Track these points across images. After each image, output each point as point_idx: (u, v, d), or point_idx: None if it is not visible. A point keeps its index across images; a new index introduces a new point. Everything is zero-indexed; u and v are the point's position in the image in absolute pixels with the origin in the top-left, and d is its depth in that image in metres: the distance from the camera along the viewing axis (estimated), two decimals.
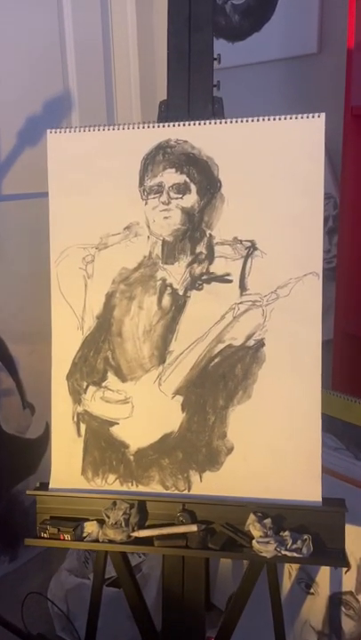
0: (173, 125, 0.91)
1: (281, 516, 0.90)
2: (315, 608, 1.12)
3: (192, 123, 0.91)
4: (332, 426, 1.21)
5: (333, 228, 1.26)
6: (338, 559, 0.88)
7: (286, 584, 1.16)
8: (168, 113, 0.93)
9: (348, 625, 1.08)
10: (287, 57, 1.40)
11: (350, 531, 0.92)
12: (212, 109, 0.92)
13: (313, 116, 0.87)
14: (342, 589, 1.09)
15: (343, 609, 1.08)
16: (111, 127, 0.94)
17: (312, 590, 1.13)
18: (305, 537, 0.88)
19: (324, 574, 1.11)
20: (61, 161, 0.96)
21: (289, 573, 1.16)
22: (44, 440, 1.49)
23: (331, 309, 1.19)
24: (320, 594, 1.12)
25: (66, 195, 0.96)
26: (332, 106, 1.08)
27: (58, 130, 0.96)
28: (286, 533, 0.89)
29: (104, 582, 1.07)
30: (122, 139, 0.94)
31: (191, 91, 0.92)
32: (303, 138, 0.87)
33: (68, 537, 0.93)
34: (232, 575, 1.29)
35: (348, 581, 1.08)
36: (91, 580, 1.26)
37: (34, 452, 1.48)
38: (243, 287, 0.90)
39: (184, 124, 0.91)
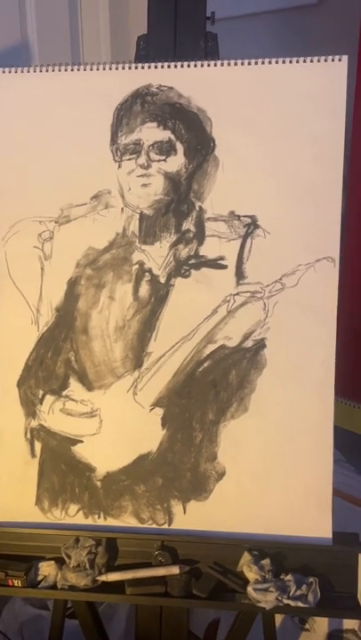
0: (155, 67, 0.72)
1: (281, 554, 0.74)
2: None
3: (179, 64, 0.72)
4: None
5: None
6: (352, 609, 0.72)
7: (277, 616, 1.01)
8: (149, 51, 0.74)
9: None
10: (282, 8, 1.23)
11: None
12: (204, 48, 0.73)
13: (333, 59, 0.69)
14: (343, 627, 0.94)
15: None
16: (76, 67, 0.74)
17: (307, 626, 0.98)
18: (310, 580, 0.73)
19: None
20: (12, 109, 0.76)
21: None
22: None
23: None
24: (317, 630, 0.97)
25: (17, 153, 0.76)
26: None
27: (9, 69, 0.75)
28: (289, 577, 0.73)
29: (65, 613, 0.90)
30: (90, 82, 0.74)
31: (178, 23, 0.73)
32: (320, 86, 0.70)
33: (18, 582, 0.75)
34: None
35: None
36: (50, 611, 1.10)
37: None
38: (240, 274, 0.73)
39: (169, 66, 0.72)
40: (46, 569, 0.77)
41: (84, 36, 1.17)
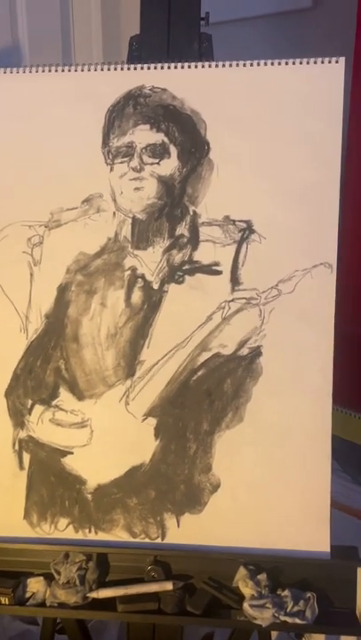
0: (148, 68, 0.70)
1: (278, 569, 0.72)
2: None
3: (172, 65, 0.70)
4: None
5: None
6: (351, 626, 0.70)
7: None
8: (141, 52, 0.72)
9: None
10: (276, 12, 1.22)
11: None
12: (198, 49, 0.71)
13: (330, 61, 0.68)
14: None
15: None
16: (67, 68, 0.72)
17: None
18: (308, 595, 0.70)
19: None
20: (1, 111, 0.73)
21: None
22: None
23: None
24: None
25: (6, 155, 0.73)
26: None
27: None
28: (286, 592, 0.70)
29: (55, 629, 0.88)
30: (81, 84, 0.72)
31: (172, 24, 0.71)
32: (317, 89, 0.68)
33: (5, 600, 0.73)
34: None
35: None
36: (39, 627, 1.07)
37: None
38: (235, 280, 0.71)
39: (162, 67, 0.70)
40: (35, 585, 0.74)
41: (76, 38, 1.15)
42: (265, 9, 1.22)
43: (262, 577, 0.71)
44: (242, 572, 0.71)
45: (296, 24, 1.19)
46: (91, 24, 1.16)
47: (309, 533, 0.72)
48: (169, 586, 0.72)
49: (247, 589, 0.71)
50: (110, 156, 0.71)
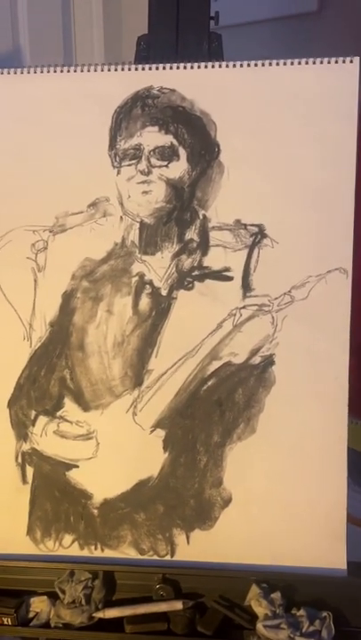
0: (156, 68, 0.68)
1: (292, 587, 0.69)
2: None
3: (181, 66, 0.68)
4: None
5: None
6: None
7: None
8: (150, 52, 0.70)
9: None
10: (280, 16, 1.21)
11: None
12: (208, 49, 0.69)
13: (343, 61, 0.66)
14: None
15: None
16: (73, 68, 0.70)
17: None
18: (324, 614, 0.68)
19: None
20: (4, 112, 0.71)
21: None
22: None
23: None
24: None
25: (10, 158, 0.71)
26: None
27: (0, 70, 0.71)
28: (301, 612, 0.68)
29: None
30: (87, 84, 0.70)
31: (180, 23, 0.69)
32: (330, 89, 0.66)
33: (8, 620, 0.70)
34: None
35: None
36: None
37: None
38: (246, 286, 0.69)
39: (171, 68, 0.68)
40: (38, 605, 0.71)
41: (77, 41, 1.14)
42: (270, 13, 1.20)
43: (276, 596, 0.68)
44: (255, 590, 0.69)
45: (302, 27, 1.18)
46: (92, 26, 1.15)
47: (325, 549, 0.69)
48: (178, 605, 0.69)
49: (261, 609, 0.68)
50: (117, 159, 0.69)
